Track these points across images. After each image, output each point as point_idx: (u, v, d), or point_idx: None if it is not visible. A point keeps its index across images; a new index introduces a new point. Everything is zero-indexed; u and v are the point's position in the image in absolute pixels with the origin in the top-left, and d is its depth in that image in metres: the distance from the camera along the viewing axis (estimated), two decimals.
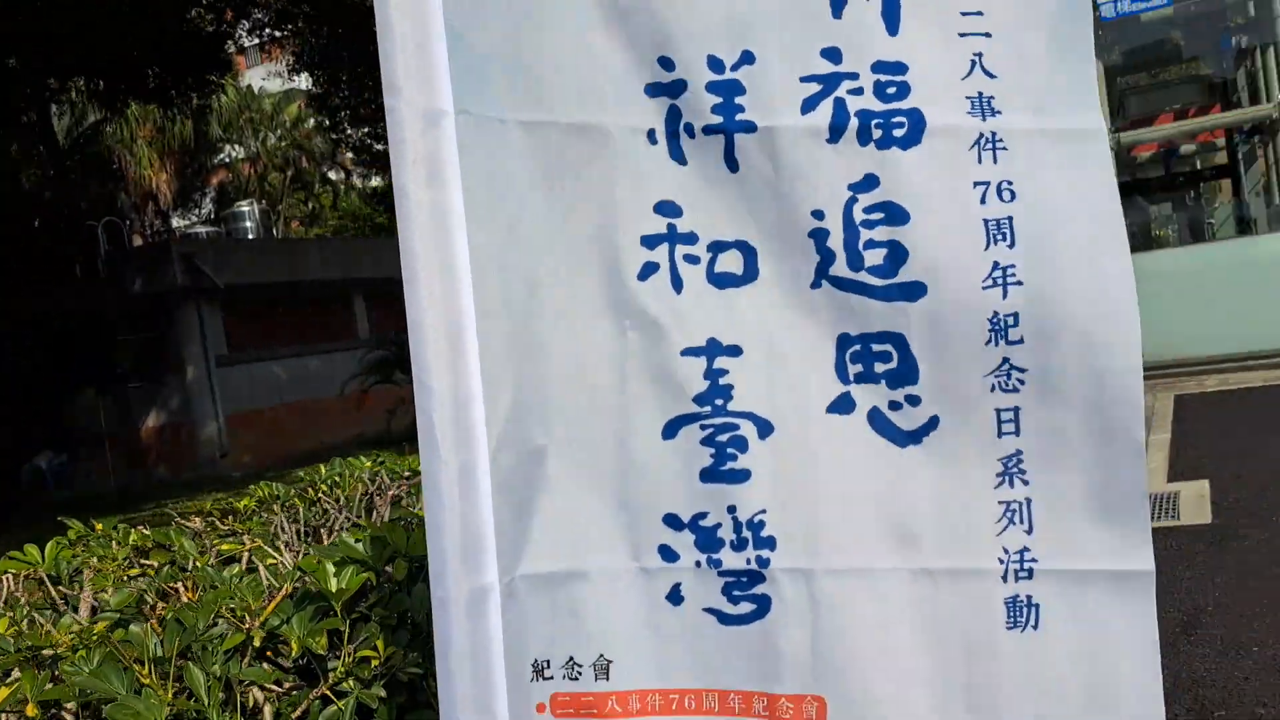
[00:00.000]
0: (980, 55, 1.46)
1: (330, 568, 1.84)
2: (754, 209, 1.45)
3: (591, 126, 1.44)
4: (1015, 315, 1.46)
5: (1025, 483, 1.47)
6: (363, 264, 22.47)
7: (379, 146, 32.22)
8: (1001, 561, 1.47)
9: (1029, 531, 1.47)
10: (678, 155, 1.46)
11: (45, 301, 19.54)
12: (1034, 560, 1.46)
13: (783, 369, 1.46)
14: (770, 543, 1.47)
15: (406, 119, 1.42)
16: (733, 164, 1.45)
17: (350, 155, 35.98)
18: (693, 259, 1.47)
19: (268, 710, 1.77)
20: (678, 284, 1.47)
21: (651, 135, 1.46)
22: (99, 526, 2.80)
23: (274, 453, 19.52)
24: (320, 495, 2.99)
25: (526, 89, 1.45)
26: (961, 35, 1.45)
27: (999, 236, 1.45)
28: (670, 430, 1.48)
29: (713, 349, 1.47)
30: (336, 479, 3.07)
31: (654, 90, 1.44)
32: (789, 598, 1.46)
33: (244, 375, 19.83)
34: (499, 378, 1.48)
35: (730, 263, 1.47)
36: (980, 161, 1.45)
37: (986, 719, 1.45)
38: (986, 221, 1.45)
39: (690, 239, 1.47)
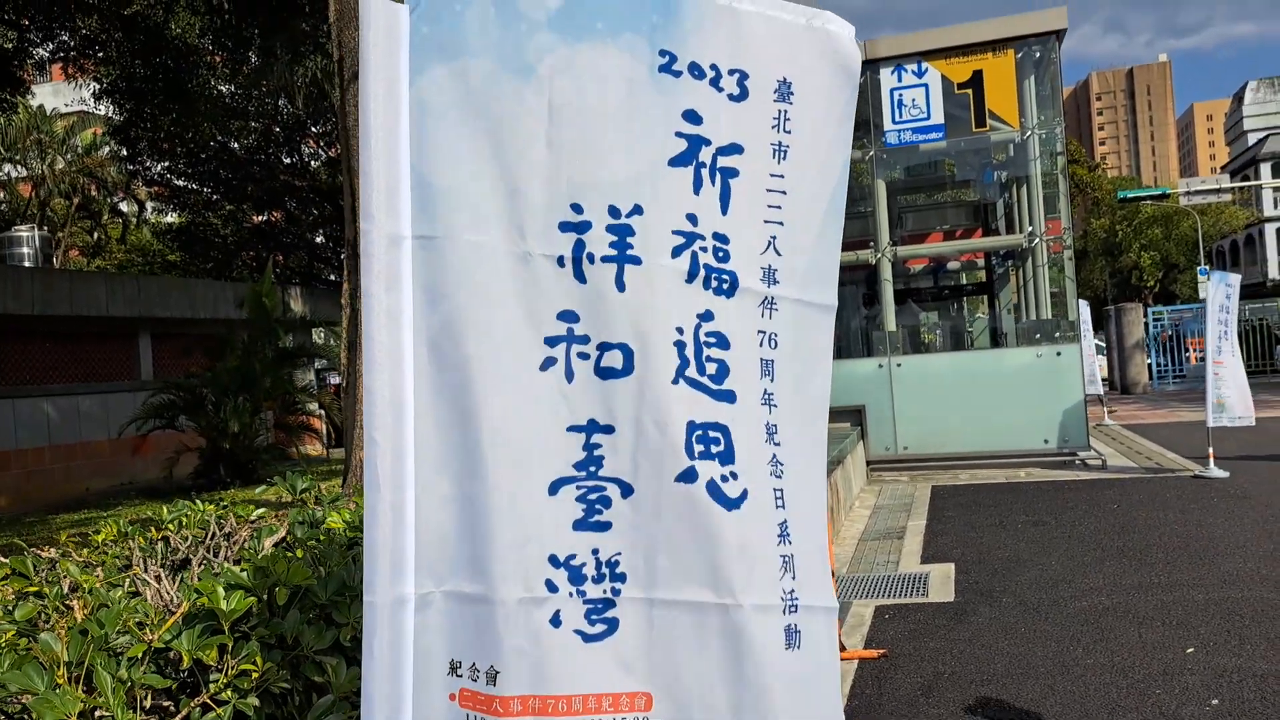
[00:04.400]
0: (775, 238, 2.00)
1: (221, 590, 2.09)
2: (634, 320, 1.88)
3: (518, 251, 1.84)
4: (776, 426, 2.01)
5: (790, 543, 2.00)
6: (153, 301, 21.44)
7: (179, 182, 30.99)
8: (782, 599, 1.97)
9: (794, 578, 2.00)
10: (580, 276, 1.86)
11: None
12: (798, 599, 1.99)
13: (645, 445, 1.88)
14: (622, 578, 1.89)
15: (376, 241, 1.80)
16: (621, 286, 1.87)
17: (146, 189, 34.30)
18: (584, 355, 1.87)
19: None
20: (570, 375, 1.87)
21: (561, 260, 1.86)
22: None
23: (35, 496, 18.14)
24: (168, 533, 3.15)
25: (470, 220, 1.83)
26: (766, 221, 1.99)
27: (767, 371, 2.00)
28: (554, 489, 1.87)
29: (591, 427, 1.88)
30: (183, 519, 3.23)
31: (565, 227, 1.86)
32: (632, 619, 1.89)
33: (6, 411, 18.41)
34: (429, 438, 1.84)
35: (613, 359, 1.88)
36: (763, 316, 2.00)
37: (767, 710, 1.92)
38: (762, 360, 2.00)
39: (584, 340, 1.87)
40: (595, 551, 1.88)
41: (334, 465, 14.28)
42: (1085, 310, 18.20)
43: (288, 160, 30.66)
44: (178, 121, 21.33)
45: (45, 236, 26.76)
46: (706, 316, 1.92)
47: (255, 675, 2.11)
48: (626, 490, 1.89)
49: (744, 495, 1.92)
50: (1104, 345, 29.18)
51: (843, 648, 6.08)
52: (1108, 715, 4.77)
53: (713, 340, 1.92)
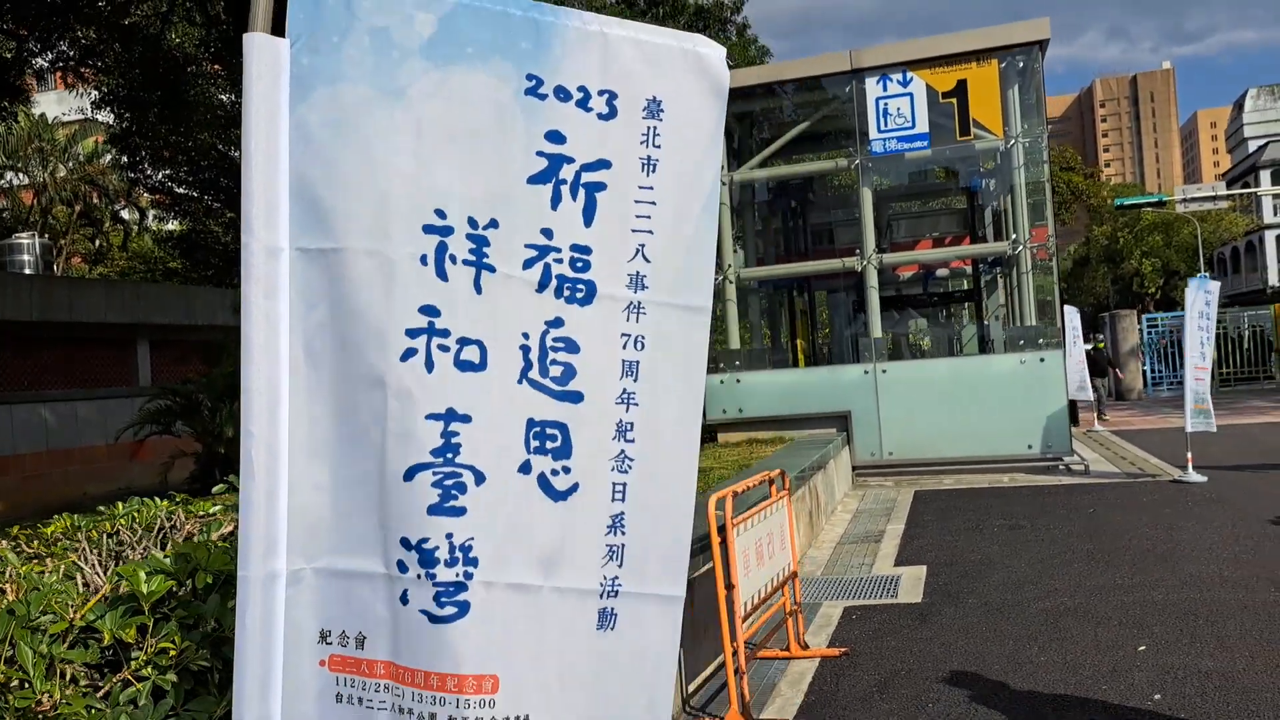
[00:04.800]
0: (643, 246, 2.15)
1: (142, 574, 2.24)
2: (488, 321, 2.05)
3: (384, 252, 1.99)
4: (632, 424, 2.17)
5: (624, 533, 2.17)
6: (151, 308, 21.65)
7: (179, 189, 31.24)
8: (601, 585, 2.16)
9: (620, 565, 2.17)
10: (441, 274, 2.03)
11: None
12: (620, 585, 2.18)
13: (495, 436, 2.04)
14: (475, 562, 2.03)
15: (255, 252, 1.96)
16: (478, 288, 2.04)
17: (148, 195, 34.56)
18: (444, 348, 2.03)
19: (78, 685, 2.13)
20: (430, 365, 2.02)
21: (424, 259, 2.02)
22: None
23: (31, 501, 18.29)
24: (119, 526, 3.30)
25: (343, 228, 1.99)
26: (634, 230, 2.15)
27: (630, 372, 2.16)
28: (410, 474, 2.01)
29: (450, 415, 2.02)
30: (134, 514, 3.38)
31: (429, 229, 2.03)
32: (482, 602, 2.03)
33: (6, 417, 18.61)
34: (302, 430, 2.00)
35: (471, 354, 2.04)
36: (628, 320, 2.16)
37: (583, 685, 2.12)
38: (624, 361, 2.16)
39: (444, 334, 2.03)
40: (449, 536, 2.02)
41: None
42: (1075, 317, 18.32)
43: None
44: (177, 130, 21.55)
45: (46, 244, 27.01)
46: (556, 323, 2.08)
47: (173, 653, 2.26)
48: (480, 478, 2.04)
49: (574, 488, 2.10)
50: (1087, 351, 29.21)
51: (805, 646, 6.21)
52: (1053, 710, 4.89)
53: (560, 345, 2.08)
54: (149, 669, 2.20)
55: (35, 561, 2.87)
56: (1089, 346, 24.52)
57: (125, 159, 29.56)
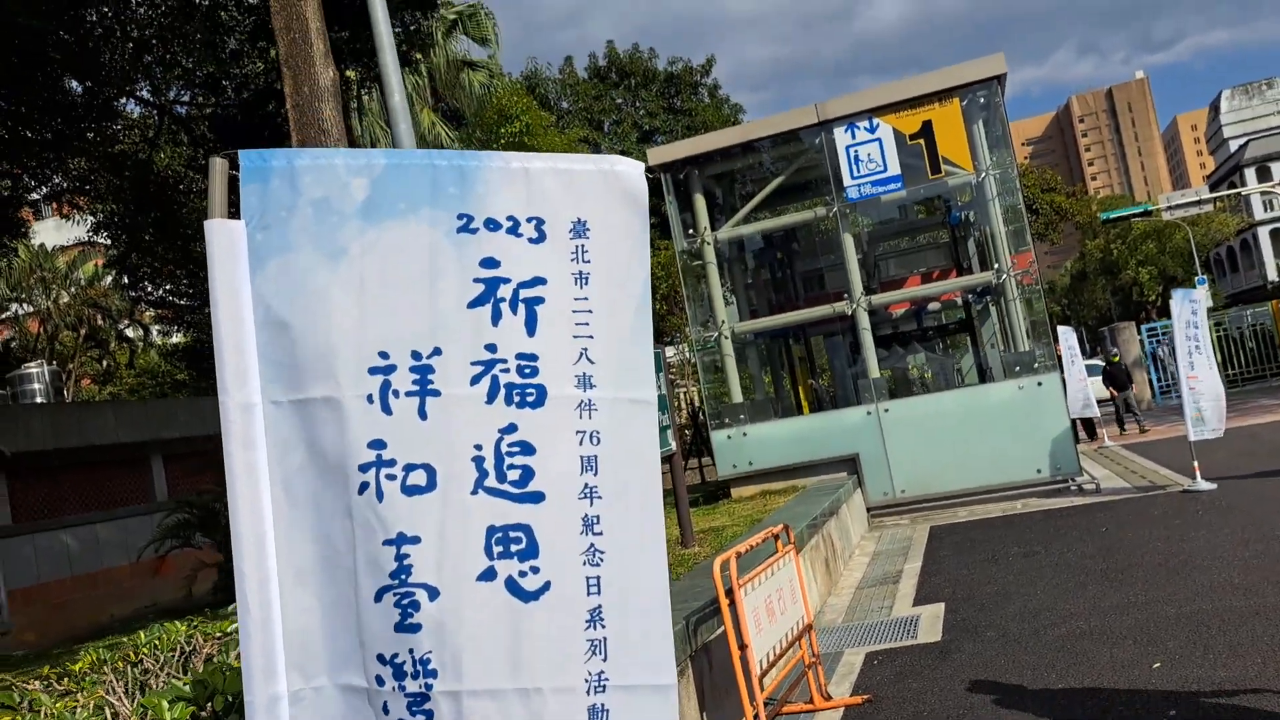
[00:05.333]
0: (586, 349, 2.33)
1: (165, 704, 2.41)
2: (435, 443, 2.22)
3: (335, 397, 2.20)
4: (598, 517, 2.29)
5: (604, 626, 2.27)
6: (161, 424, 21.92)
7: (180, 302, 31.74)
8: (586, 680, 2.24)
9: (605, 660, 2.26)
10: (386, 409, 2.22)
11: None
12: (607, 679, 2.26)
13: (447, 551, 2.20)
14: (434, 674, 2.18)
15: (231, 409, 2.18)
16: (423, 415, 2.23)
17: (150, 312, 35.08)
18: (391, 476, 2.20)
19: None
20: (380, 495, 2.20)
21: (370, 398, 2.21)
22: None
23: (62, 628, 18.35)
24: (142, 656, 3.47)
25: (300, 378, 2.20)
26: (575, 336, 2.32)
27: (589, 467, 2.31)
28: (379, 596, 2.19)
29: (400, 539, 2.19)
30: (156, 642, 3.55)
31: (374, 370, 2.22)
32: (445, 712, 2.17)
33: (28, 546, 18.78)
34: (287, 560, 2.19)
35: (417, 478, 2.21)
36: (581, 417, 2.31)
37: None
38: (582, 457, 2.30)
39: (391, 464, 2.21)
40: (411, 650, 2.18)
41: None
42: (1070, 336, 18.45)
43: None
44: (174, 246, 22.03)
45: (54, 371, 27.41)
46: (509, 429, 2.25)
47: None
48: (434, 594, 2.19)
49: (546, 586, 2.23)
50: (1101, 366, 29.29)
51: (828, 696, 6.29)
52: None
53: (516, 449, 2.24)
54: None
55: (67, 698, 3.03)
56: (1103, 361, 24.56)
57: (125, 279, 30.10)
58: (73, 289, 36.41)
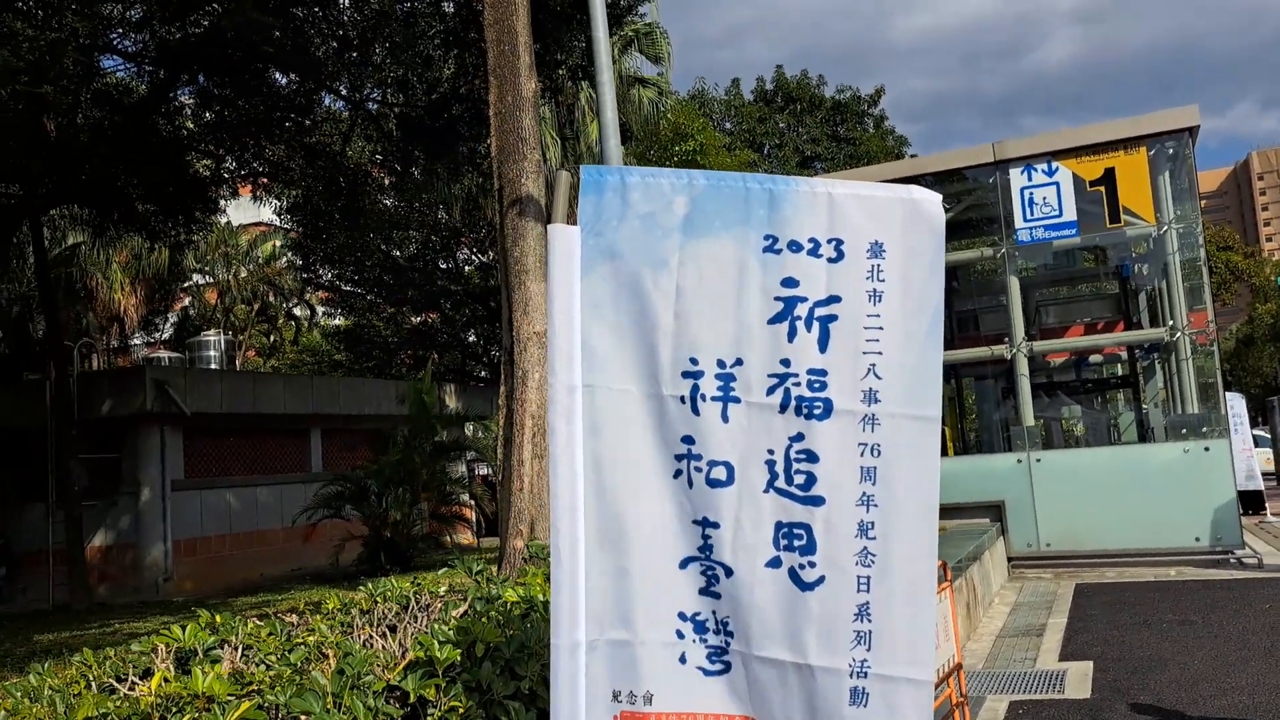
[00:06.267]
0: (874, 365, 2.51)
1: (436, 643, 2.73)
2: (735, 443, 2.49)
3: (654, 393, 2.51)
4: (873, 524, 2.48)
5: (870, 621, 2.46)
6: (323, 400, 23.14)
7: (346, 287, 33.48)
8: (851, 665, 2.45)
9: (869, 650, 2.46)
10: (695, 410, 2.50)
11: (7, 415, 19.88)
12: (869, 667, 2.45)
13: (742, 538, 2.47)
14: (731, 634, 2.49)
15: (559, 389, 2.50)
16: (725, 418, 2.50)
17: (318, 294, 37.10)
18: (699, 469, 2.50)
19: None
20: (690, 483, 2.50)
21: (682, 399, 2.50)
22: (218, 619, 3.66)
23: (216, 580, 19.58)
24: (377, 603, 3.87)
25: (619, 373, 2.51)
26: (865, 352, 2.51)
27: (868, 477, 2.49)
28: (684, 564, 2.51)
29: (705, 522, 2.50)
30: (387, 593, 3.95)
31: (686, 375, 2.51)
32: (739, 664, 2.48)
33: (195, 501, 20.12)
34: (593, 526, 2.49)
35: (719, 473, 2.49)
36: (864, 430, 2.50)
37: None
38: (862, 467, 2.49)
39: (698, 458, 2.50)
40: (714, 611, 2.51)
41: (484, 553, 15.06)
42: (1239, 403, 17.63)
43: (444, 265, 32.73)
44: (350, 234, 23.29)
45: (230, 340, 29.29)
46: (798, 438, 2.48)
47: (461, 710, 2.72)
48: (729, 572, 2.49)
49: (820, 580, 2.46)
50: (1268, 437, 27.73)
51: None
52: None
53: (802, 456, 2.48)
54: None
55: (314, 634, 3.42)
56: (1257, 432, 23.33)
57: (300, 261, 31.92)
58: (250, 266, 38.84)
